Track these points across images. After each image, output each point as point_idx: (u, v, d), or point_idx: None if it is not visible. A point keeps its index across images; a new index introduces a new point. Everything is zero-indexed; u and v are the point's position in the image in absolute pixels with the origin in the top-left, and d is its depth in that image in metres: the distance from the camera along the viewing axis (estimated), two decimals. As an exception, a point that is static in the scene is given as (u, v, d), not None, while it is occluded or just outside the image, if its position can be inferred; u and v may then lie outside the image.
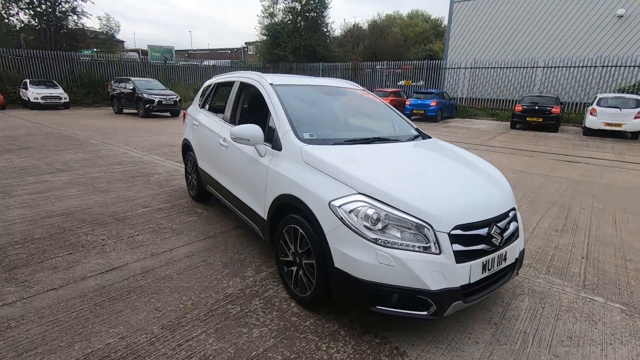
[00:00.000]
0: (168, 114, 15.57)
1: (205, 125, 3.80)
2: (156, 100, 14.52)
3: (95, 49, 26.35)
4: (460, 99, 19.25)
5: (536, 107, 13.31)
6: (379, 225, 1.90)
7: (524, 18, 17.88)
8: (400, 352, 2.00)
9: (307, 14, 25.00)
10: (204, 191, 4.22)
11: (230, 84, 3.65)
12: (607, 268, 3.09)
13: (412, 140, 2.95)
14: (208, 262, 2.91)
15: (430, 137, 3.15)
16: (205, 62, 28.93)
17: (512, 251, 2.22)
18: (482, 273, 2.01)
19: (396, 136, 2.99)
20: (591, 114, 12.19)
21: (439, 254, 1.87)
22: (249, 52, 49.17)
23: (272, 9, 25.95)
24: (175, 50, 29.18)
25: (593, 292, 2.71)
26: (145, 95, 14.46)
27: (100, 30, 27.57)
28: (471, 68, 18.49)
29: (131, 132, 10.36)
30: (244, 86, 3.42)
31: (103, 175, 5.49)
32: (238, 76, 3.54)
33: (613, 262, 3.20)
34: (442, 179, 2.27)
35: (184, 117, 4.74)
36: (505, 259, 2.16)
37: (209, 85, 4.22)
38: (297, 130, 2.54)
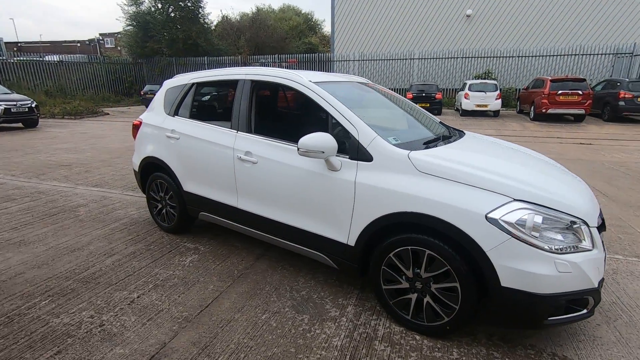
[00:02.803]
0: (20, 124, 12.09)
1: (197, 138, 2.96)
2: (1, 108, 11.08)
3: None
4: (352, 89, 20.44)
5: (423, 94, 15.13)
6: (540, 231, 1.76)
7: (397, 14, 19.96)
8: (561, 357, 1.92)
9: (181, 3, 22.54)
10: (188, 220, 3.35)
11: (228, 84, 2.93)
12: (595, 228, 3.64)
13: (464, 135, 2.86)
14: (274, 312, 2.29)
15: (464, 132, 3.13)
16: (48, 57, 23.40)
17: None
18: (604, 258, 2.09)
19: (445, 132, 2.86)
20: (465, 97, 14.48)
21: (592, 248, 1.84)
22: (107, 45, 41.85)
23: (135, -5, 22.45)
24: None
25: (608, 251, 3.14)
26: (-18, 103, 10.87)
27: None
28: (359, 60, 19.79)
29: (-16, 153, 7.61)
30: (258, 86, 2.77)
31: (-4, 220, 3.84)
32: (242, 73, 2.85)
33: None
34: (551, 174, 2.26)
35: (134, 127, 3.63)
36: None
37: (182, 86, 3.29)
38: (383, 135, 2.17)
